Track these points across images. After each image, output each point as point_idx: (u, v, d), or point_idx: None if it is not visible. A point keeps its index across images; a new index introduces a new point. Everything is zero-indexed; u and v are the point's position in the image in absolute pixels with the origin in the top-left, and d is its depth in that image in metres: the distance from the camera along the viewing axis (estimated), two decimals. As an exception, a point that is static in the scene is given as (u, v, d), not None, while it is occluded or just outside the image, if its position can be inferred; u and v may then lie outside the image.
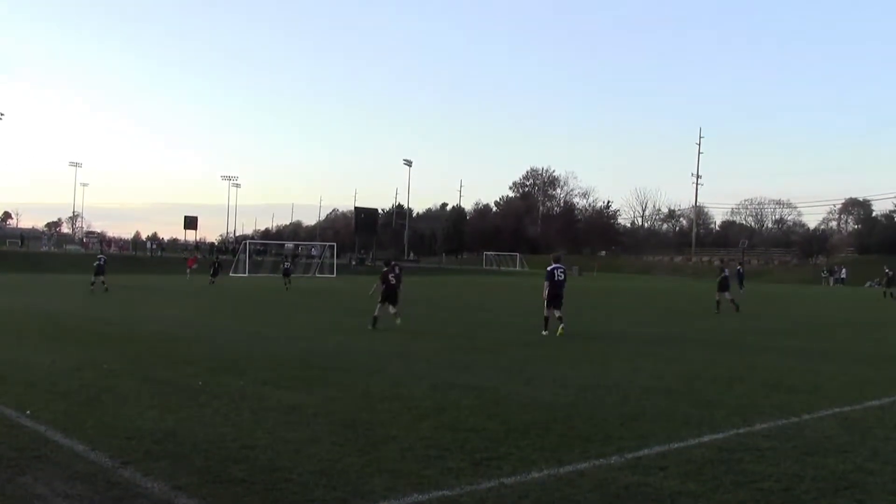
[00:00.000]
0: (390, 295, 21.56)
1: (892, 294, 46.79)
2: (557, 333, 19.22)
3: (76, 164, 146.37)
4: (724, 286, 30.96)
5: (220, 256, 59.89)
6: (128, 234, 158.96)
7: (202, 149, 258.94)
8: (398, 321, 20.82)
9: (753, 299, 40.55)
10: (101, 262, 38.95)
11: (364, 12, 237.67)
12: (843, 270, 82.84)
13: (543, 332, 19.57)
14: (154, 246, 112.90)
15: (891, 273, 50.63)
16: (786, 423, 9.57)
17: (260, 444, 7.93)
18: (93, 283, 37.61)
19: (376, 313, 21.14)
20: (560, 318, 19.68)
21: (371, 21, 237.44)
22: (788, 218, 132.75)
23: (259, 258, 79.88)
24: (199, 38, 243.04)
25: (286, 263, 51.36)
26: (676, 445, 8.28)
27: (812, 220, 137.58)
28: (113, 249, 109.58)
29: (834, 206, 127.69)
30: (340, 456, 7.59)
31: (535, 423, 9.27)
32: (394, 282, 21.72)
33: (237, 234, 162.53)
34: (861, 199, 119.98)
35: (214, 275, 48.87)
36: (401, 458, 7.57)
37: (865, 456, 8.03)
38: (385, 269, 22.10)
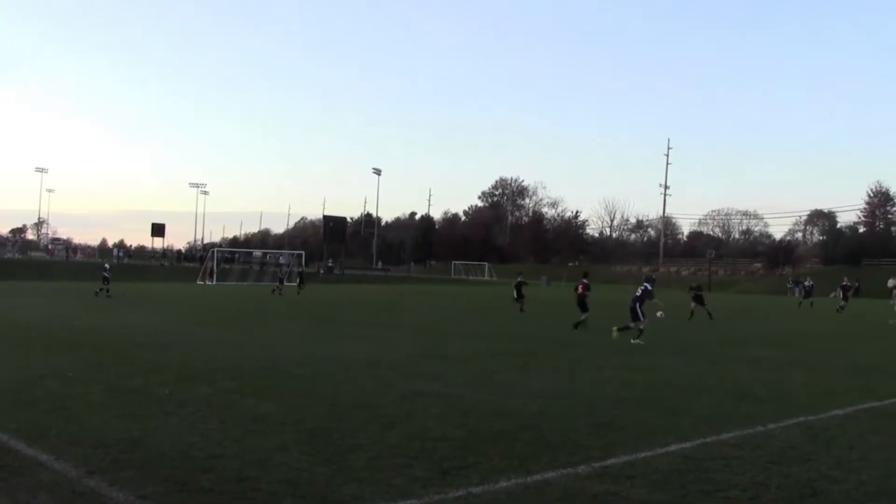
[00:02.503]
0: (580, 303, 25.92)
1: (811, 303, 48.20)
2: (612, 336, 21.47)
3: (42, 170, 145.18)
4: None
5: (304, 268, 59.08)
6: (94, 242, 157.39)
7: (170, 156, 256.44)
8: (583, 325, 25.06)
9: (721, 309, 40.77)
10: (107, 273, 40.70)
11: (333, 22, 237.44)
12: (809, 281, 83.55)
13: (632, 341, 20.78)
14: (121, 253, 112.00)
15: (808, 285, 52.30)
16: (752, 433, 9.66)
17: (227, 454, 7.89)
18: (108, 291, 38.74)
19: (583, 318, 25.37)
20: (625, 328, 21.65)
21: (339, 30, 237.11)
22: (755, 229, 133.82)
23: (227, 266, 79.55)
24: (167, 45, 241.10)
25: (280, 273, 52.66)
26: (644, 454, 8.33)
27: (778, 231, 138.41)
28: (79, 257, 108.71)
29: (800, 217, 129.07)
30: (308, 465, 7.57)
31: (503, 432, 9.29)
32: (580, 291, 26.08)
33: (205, 242, 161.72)
34: (826, 211, 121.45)
35: (301, 284, 49.28)
36: (368, 466, 7.56)
37: (830, 464, 8.13)
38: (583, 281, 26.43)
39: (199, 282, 63.60)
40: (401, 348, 18.64)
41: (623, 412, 10.87)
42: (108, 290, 38.73)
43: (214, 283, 63.69)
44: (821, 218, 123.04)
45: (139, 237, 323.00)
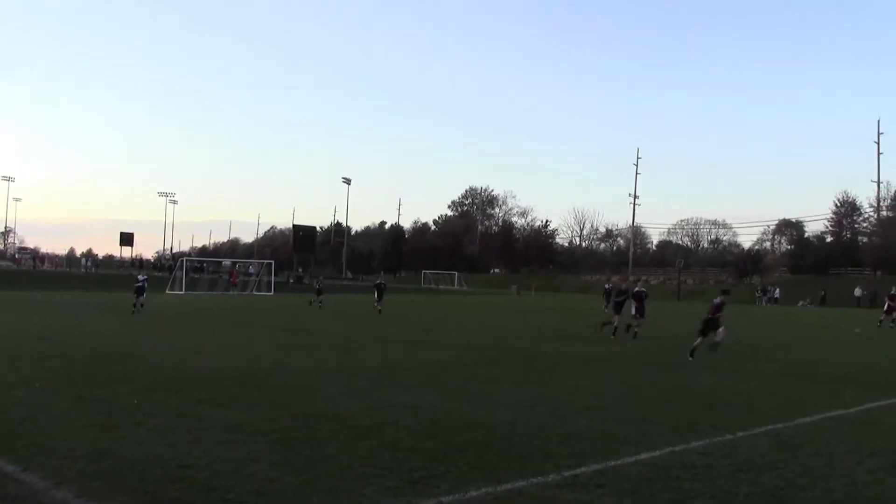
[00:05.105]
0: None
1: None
2: None
3: (9, 179, 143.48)
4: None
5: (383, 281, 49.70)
6: (62, 251, 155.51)
7: (139, 165, 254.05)
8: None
9: (690, 319, 41.07)
10: (143, 283, 37.77)
11: (302, 32, 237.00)
12: (777, 290, 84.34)
13: None
14: (89, 263, 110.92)
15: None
16: (721, 441, 9.74)
17: (197, 464, 7.84)
18: (134, 305, 35.88)
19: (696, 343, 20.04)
20: None
21: (308, 40, 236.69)
22: (724, 238, 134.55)
23: (196, 275, 79.08)
24: (135, 55, 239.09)
25: (317, 284, 50.11)
26: (614, 463, 8.37)
27: (747, 240, 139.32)
28: (47, 266, 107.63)
29: (768, 226, 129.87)
30: (278, 475, 7.54)
31: (473, 441, 9.30)
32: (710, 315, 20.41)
33: (174, 251, 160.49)
34: (794, 221, 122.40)
35: (379, 298, 41.85)
36: (339, 477, 7.55)
37: (797, 472, 8.21)
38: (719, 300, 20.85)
39: (168, 291, 63.11)
40: (371, 358, 18.60)
41: (593, 422, 10.91)
42: (137, 304, 36.05)
43: (184, 292, 63.30)
44: (788, 227, 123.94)
45: (108, 246, 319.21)
